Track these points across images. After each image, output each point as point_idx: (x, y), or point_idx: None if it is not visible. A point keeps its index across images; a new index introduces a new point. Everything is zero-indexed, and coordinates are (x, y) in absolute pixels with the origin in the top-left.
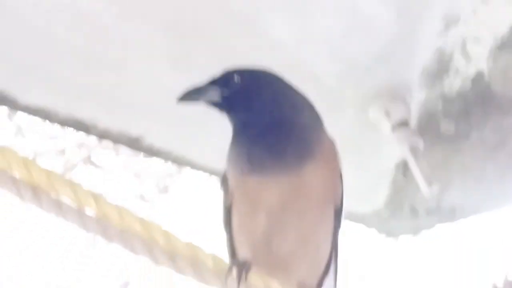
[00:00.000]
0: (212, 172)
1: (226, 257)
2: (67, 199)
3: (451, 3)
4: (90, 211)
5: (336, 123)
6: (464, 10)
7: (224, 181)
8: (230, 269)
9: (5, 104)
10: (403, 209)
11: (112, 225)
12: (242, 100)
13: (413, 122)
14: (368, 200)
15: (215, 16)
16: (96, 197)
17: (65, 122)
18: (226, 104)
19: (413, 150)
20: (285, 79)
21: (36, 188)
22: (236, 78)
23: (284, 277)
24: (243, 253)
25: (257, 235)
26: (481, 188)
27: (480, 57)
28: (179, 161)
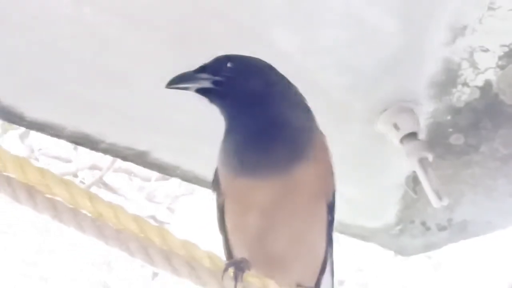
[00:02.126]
0: None
1: (223, 257)
2: (61, 199)
3: (457, 13)
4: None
5: (344, 136)
6: (470, 20)
7: (216, 180)
8: (226, 268)
9: (12, 120)
10: (414, 224)
11: (107, 225)
12: (234, 88)
13: (422, 134)
14: (378, 215)
15: (221, 29)
16: (91, 196)
17: (72, 137)
18: (217, 93)
19: (423, 163)
20: (277, 70)
21: (31, 189)
22: (230, 64)
23: (282, 276)
24: (239, 253)
25: (251, 235)
26: (493, 201)
27: (488, 66)
28: (187, 177)
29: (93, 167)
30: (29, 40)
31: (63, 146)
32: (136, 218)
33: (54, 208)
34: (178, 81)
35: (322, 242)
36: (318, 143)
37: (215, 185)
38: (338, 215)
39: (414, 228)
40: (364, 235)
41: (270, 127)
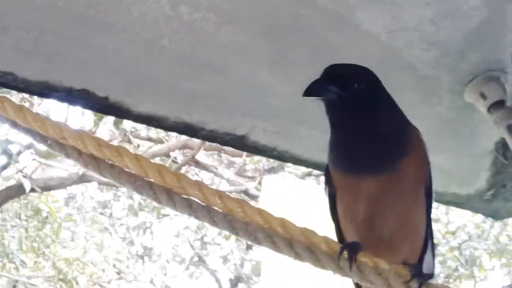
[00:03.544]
0: (314, 165)
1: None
2: (196, 198)
3: None
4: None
5: (433, 108)
6: None
7: (327, 174)
8: (341, 251)
9: (118, 114)
10: (506, 188)
11: (237, 219)
12: (353, 104)
13: (509, 102)
14: (470, 182)
15: (309, 16)
16: (220, 194)
17: (174, 127)
18: (338, 106)
19: (511, 129)
20: (380, 81)
21: (169, 191)
22: (357, 85)
23: (389, 256)
24: (350, 237)
25: (361, 221)
26: None
27: None
28: (283, 157)
29: (184, 147)
30: (133, 40)
31: (154, 128)
32: (261, 211)
33: (190, 207)
34: (311, 93)
35: (423, 224)
36: (414, 138)
37: (327, 179)
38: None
39: (506, 192)
40: (457, 202)
41: (374, 133)
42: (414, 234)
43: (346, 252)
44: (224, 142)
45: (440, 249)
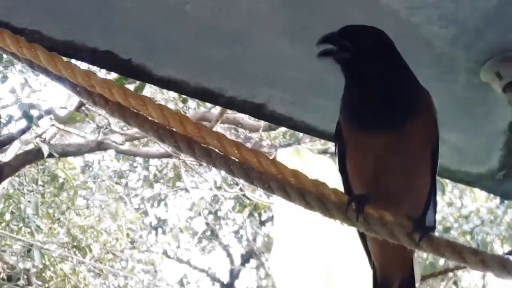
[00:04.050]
0: (330, 137)
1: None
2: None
3: None
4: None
5: (449, 86)
6: None
7: (338, 130)
8: (349, 202)
9: (141, 77)
10: None
11: (252, 168)
12: (365, 61)
13: None
14: (483, 161)
15: None
16: (238, 145)
17: (194, 92)
18: (351, 61)
19: None
20: (392, 41)
21: (190, 140)
22: (369, 42)
23: (394, 209)
24: (358, 191)
25: (369, 176)
26: None
27: None
28: (299, 127)
29: (201, 119)
30: (156, 5)
31: (171, 99)
32: (275, 162)
33: (209, 155)
34: (326, 54)
35: (427, 182)
36: (423, 100)
37: (337, 134)
38: (444, 161)
39: None
40: (469, 180)
41: (385, 91)
42: (418, 191)
43: (354, 204)
44: (243, 110)
45: (452, 233)
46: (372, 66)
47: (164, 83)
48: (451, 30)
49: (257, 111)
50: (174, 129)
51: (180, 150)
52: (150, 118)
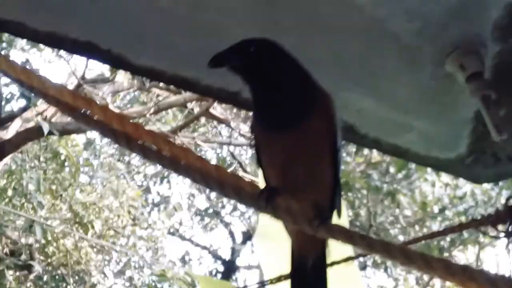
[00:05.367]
0: None
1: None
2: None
3: None
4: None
5: (415, 77)
6: None
7: (252, 131)
8: (260, 193)
9: (121, 66)
10: (486, 155)
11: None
12: (257, 67)
13: (487, 74)
14: (451, 148)
15: None
16: (171, 143)
17: (171, 80)
18: (244, 70)
19: (485, 100)
20: (285, 49)
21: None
22: (252, 49)
23: (302, 198)
24: (272, 183)
25: (278, 169)
26: None
27: None
28: None
29: (200, 99)
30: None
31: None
32: (200, 158)
33: (144, 150)
34: (216, 63)
35: (329, 172)
36: (321, 101)
37: (252, 133)
38: (413, 147)
39: (486, 158)
40: (438, 165)
41: (283, 97)
42: (321, 181)
43: (264, 195)
44: (219, 98)
45: (447, 213)
46: (265, 71)
47: (143, 72)
48: (416, 23)
49: (232, 99)
50: (115, 128)
51: (120, 145)
52: (95, 118)
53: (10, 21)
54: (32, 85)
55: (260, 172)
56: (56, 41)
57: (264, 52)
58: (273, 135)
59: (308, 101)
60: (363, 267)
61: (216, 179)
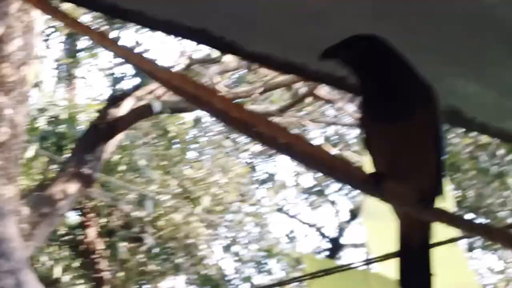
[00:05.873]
0: None
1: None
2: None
3: None
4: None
5: None
6: None
7: (361, 122)
8: (368, 178)
9: (231, 52)
10: None
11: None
12: (367, 63)
13: None
14: None
15: None
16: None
17: (280, 66)
18: (354, 65)
19: None
20: (393, 46)
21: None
22: (362, 44)
23: (408, 184)
24: (380, 169)
25: (387, 157)
26: None
27: None
28: None
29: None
30: None
31: None
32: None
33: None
34: (328, 55)
35: (433, 159)
36: (426, 97)
37: (361, 125)
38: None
39: None
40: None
41: (392, 92)
42: (426, 168)
43: (372, 180)
44: (327, 82)
45: None
46: (375, 67)
47: (253, 58)
48: None
49: (339, 83)
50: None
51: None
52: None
53: (130, 10)
54: (143, 67)
55: (367, 157)
56: (172, 29)
57: (374, 49)
58: (382, 127)
59: (415, 96)
60: (470, 248)
61: (328, 165)
